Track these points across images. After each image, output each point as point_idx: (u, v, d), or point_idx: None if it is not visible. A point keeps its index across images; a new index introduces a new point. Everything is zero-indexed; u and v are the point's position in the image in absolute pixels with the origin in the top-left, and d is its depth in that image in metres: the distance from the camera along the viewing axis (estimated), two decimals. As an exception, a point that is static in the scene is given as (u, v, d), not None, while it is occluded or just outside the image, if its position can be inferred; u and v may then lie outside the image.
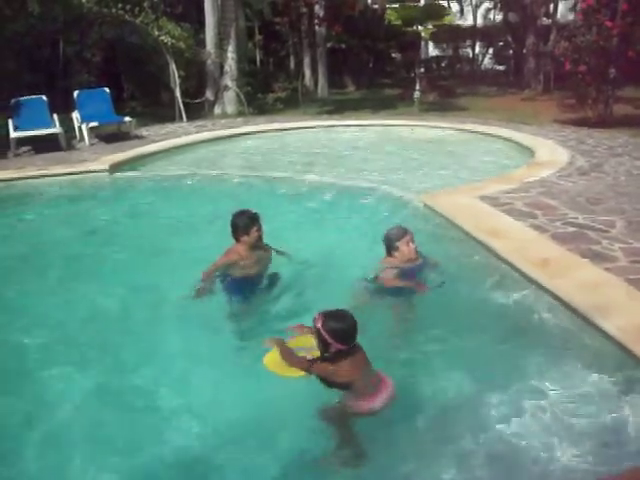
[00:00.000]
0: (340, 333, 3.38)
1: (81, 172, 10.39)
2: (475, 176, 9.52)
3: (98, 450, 3.50)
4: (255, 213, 5.13)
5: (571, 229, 6.26)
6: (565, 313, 4.59)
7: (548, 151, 10.80)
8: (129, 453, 3.44)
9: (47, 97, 13.21)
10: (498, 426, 3.47)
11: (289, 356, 3.71)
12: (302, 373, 3.57)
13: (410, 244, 5.07)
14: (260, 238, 5.15)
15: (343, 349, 3.40)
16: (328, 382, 3.50)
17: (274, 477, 3.21)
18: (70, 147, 12.74)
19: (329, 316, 3.43)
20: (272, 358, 3.71)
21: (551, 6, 24.22)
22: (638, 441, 3.29)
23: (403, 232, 5.11)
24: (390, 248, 5.12)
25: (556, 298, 4.74)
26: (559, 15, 24.18)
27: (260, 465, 3.32)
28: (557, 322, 4.56)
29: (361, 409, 3.40)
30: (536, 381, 3.85)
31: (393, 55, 32.96)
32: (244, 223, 5.04)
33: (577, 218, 6.65)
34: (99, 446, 3.53)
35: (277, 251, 5.51)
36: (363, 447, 3.38)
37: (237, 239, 5.08)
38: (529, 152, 10.95)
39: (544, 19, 24.18)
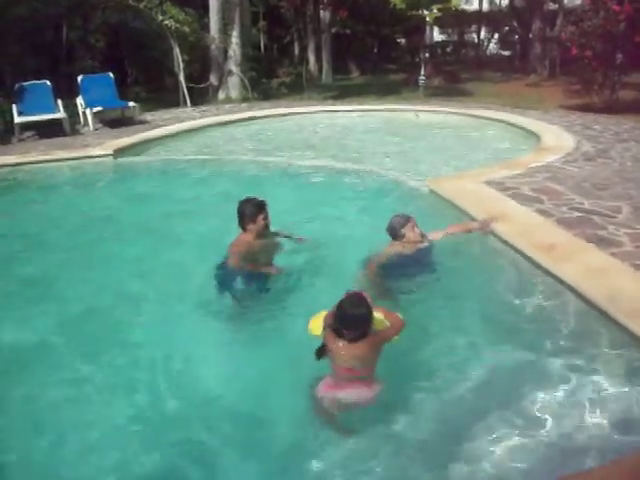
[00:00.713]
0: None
1: (85, 157, 10.40)
2: (481, 161, 9.49)
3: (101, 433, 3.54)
4: (262, 201, 5.02)
5: (577, 214, 6.23)
6: (570, 297, 4.58)
7: (554, 136, 10.74)
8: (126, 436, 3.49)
9: (51, 82, 13.17)
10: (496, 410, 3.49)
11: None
12: None
13: (415, 229, 5.11)
14: (267, 226, 5.07)
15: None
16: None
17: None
18: (74, 132, 12.73)
19: None
20: (317, 324, 3.70)
21: (558, -9, 24.02)
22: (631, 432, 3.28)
23: (406, 219, 5.14)
24: (396, 237, 5.13)
25: (561, 283, 4.73)
26: (566, 0, 23.97)
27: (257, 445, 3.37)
28: (562, 307, 4.54)
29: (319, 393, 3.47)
30: (541, 365, 3.86)
31: (398, 40, 32.79)
32: (250, 211, 4.94)
33: (583, 203, 6.62)
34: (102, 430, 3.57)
35: (287, 236, 5.49)
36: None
37: (244, 227, 4.98)
38: (535, 137, 10.90)
39: (550, 4, 24.00)
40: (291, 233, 5.58)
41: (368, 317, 3.44)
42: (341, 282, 4.72)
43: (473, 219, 6.26)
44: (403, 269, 5.03)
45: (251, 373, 4.01)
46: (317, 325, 3.65)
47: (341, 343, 3.43)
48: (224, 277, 4.97)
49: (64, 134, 12.34)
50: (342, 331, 3.42)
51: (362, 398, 3.43)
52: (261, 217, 4.96)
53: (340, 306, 3.43)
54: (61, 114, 12.45)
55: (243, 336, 4.56)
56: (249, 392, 3.82)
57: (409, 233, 5.09)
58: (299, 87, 20.44)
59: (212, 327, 4.62)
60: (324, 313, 3.64)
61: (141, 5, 15.68)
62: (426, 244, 5.24)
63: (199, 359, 4.21)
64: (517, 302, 4.72)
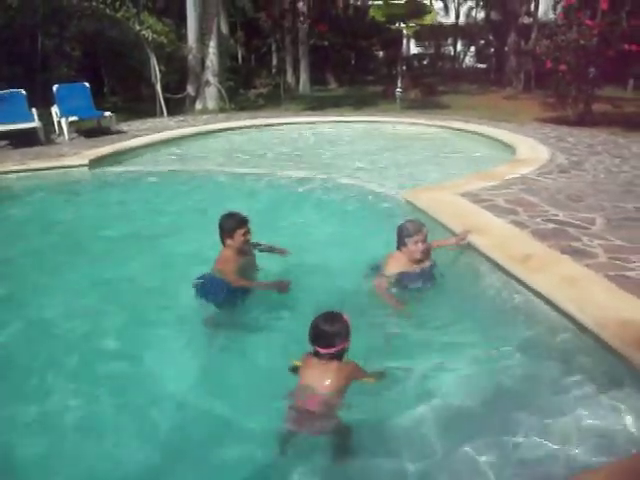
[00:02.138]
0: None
1: (60, 167, 10.28)
2: (457, 172, 9.55)
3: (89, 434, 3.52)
4: (243, 216, 4.90)
5: (552, 226, 6.29)
6: (545, 308, 4.61)
7: (529, 149, 10.87)
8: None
9: (26, 91, 13.02)
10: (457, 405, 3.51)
11: None
12: None
13: (419, 244, 4.99)
14: (247, 242, 4.95)
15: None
16: None
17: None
18: (49, 142, 12.60)
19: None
20: None
21: (532, 5, 24.38)
22: (604, 438, 3.30)
23: (415, 230, 5.02)
24: (399, 243, 5.07)
25: (536, 293, 4.76)
26: (540, 14, 24.33)
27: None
28: (536, 317, 4.57)
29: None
30: (512, 374, 3.88)
31: (375, 52, 33.05)
32: (229, 226, 4.83)
33: (557, 215, 6.68)
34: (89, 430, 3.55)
35: (270, 249, 5.39)
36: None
37: (223, 242, 4.88)
38: (510, 149, 11.02)
39: (525, 17, 24.35)
40: (273, 246, 5.47)
41: (342, 335, 3.38)
42: (321, 293, 4.74)
43: (449, 230, 6.30)
44: (408, 283, 5.00)
45: (227, 383, 3.99)
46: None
47: (314, 361, 3.40)
48: (205, 288, 4.88)
49: (39, 144, 12.19)
50: (316, 350, 3.38)
51: (319, 431, 3.36)
52: (240, 232, 4.82)
53: (314, 321, 3.40)
54: (36, 123, 12.30)
55: (221, 344, 4.54)
56: (220, 401, 3.76)
57: (412, 246, 4.99)
58: (277, 98, 20.48)
59: (187, 338, 4.58)
60: None
61: (118, 14, 15.62)
62: (429, 264, 5.14)
63: (174, 369, 4.16)
64: (489, 312, 4.75)
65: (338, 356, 3.40)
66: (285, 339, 4.26)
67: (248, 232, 4.90)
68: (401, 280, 5.01)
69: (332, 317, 3.42)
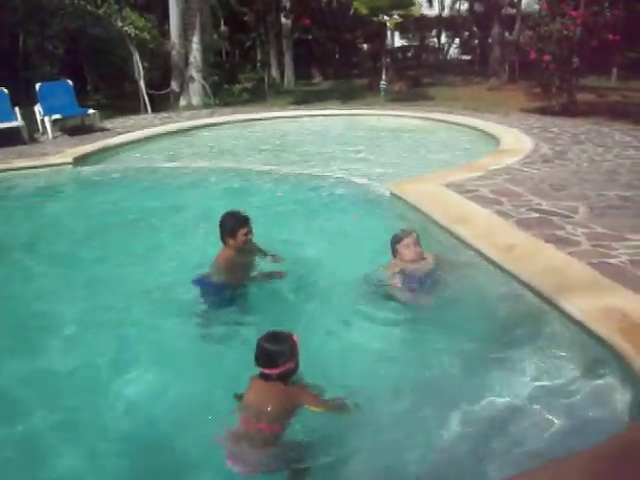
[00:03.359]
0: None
1: (44, 165, 10.22)
2: (441, 163, 9.58)
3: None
4: (245, 215, 4.83)
5: (535, 215, 6.32)
6: (529, 297, 4.64)
7: (513, 139, 10.91)
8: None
9: (8, 90, 12.92)
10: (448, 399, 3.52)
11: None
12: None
13: (411, 247, 4.95)
14: (249, 242, 4.87)
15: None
16: None
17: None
18: (33, 140, 12.52)
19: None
20: None
21: (515, -5, 24.45)
22: (596, 425, 3.34)
23: (403, 235, 5.01)
24: (393, 251, 5.06)
25: (520, 282, 4.79)
26: (524, 4, 24.38)
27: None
28: (521, 306, 4.60)
29: None
30: (499, 363, 3.90)
31: (359, 45, 33.04)
32: (230, 225, 4.76)
33: (541, 204, 6.72)
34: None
35: (266, 254, 5.29)
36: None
37: (224, 241, 4.81)
38: (494, 140, 11.06)
39: (509, 8, 24.40)
40: (265, 250, 5.35)
41: (287, 355, 3.20)
42: (305, 295, 4.74)
43: (435, 222, 6.32)
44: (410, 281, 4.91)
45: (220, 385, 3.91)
46: None
47: (258, 382, 3.23)
48: (202, 289, 4.85)
49: (22, 143, 12.11)
50: (261, 371, 3.22)
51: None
52: (242, 232, 4.75)
53: (258, 340, 3.24)
54: (19, 122, 12.21)
55: (214, 346, 4.48)
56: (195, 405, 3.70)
57: (403, 250, 4.96)
58: (261, 93, 20.42)
59: (181, 338, 4.52)
60: None
61: (100, 11, 15.52)
62: (429, 267, 5.02)
63: (160, 367, 4.13)
64: (477, 302, 4.77)
65: (283, 377, 3.21)
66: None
67: (250, 231, 4.83)
68: (404, 276, 4.92)
69: (277, 336, 3.27)
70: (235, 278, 4.78)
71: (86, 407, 3.74)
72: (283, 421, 3.16)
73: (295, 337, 3.29)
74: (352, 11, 19.47)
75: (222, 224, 4.81)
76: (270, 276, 5.03)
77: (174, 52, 18.09)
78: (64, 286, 5.53)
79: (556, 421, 3.34)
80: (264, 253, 5.29)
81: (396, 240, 5.02)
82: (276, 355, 3.18)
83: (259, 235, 5.04)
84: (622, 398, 3.45)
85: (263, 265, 5.22)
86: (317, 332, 4.39)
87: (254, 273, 5.11)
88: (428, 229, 6.26)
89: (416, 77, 23.83)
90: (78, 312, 4.94)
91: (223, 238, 4.81)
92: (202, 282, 4.85)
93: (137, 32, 15.97)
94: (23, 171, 9.93)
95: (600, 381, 3.61)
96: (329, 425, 3.35)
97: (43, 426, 3.55)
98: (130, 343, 4.45)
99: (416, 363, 4.05)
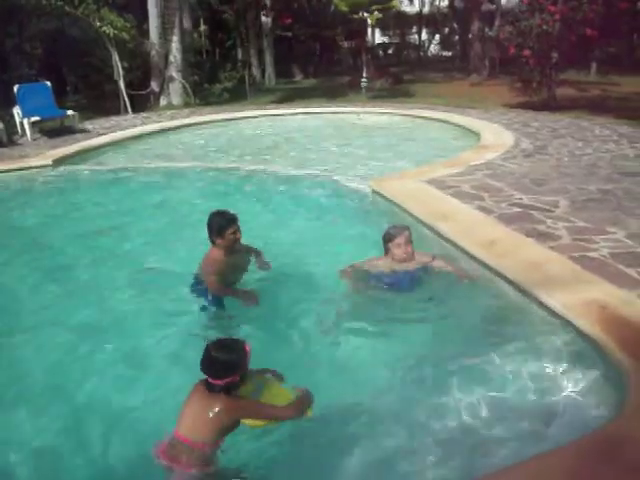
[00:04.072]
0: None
1: (23, 168, 10.10)
2: (423, 160, 9.58)
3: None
4: (233, 215, 4.76)
5: (516, 210, 6.34)
6: (511, 291, 4.64)
7: (494, 134, 10.94)
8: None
9: (-15, 92, 12.82)
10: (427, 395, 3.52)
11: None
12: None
13: (402, 246, 4.88)
14: (237, 241, 4.80)
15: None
16: None
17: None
18: (12, 143, 12.38)
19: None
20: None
21: (494, -9, 24.54)
22: (573, 418, 3.33)
23: (396, 233, 4.93)
24: (385, 249, 5.00)
25: (502, 277, 4.79)
26: (503, 0, 24.48)
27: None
28: (503, 301, 4.61)
29: None
30: (482, 357, 3.89)
31: (340, 43, 33.01)
32: (218, 225, 4.67)
33: (522, 199, 6.74)
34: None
35: (257, 254, 5.24)
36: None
37: (212, 241, 4.75)
38: (475, 136, 11.09)
39: (488, 4, 24.49)
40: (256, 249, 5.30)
41: (236, 367, 3.00)
42: (287, 296, 4.71)
43: (416, 218, 6.31)
44: (378, 282, 4.91)
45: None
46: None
47: (201, 390, 3.02)
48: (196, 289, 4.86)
49: (1, 145, 11.98)
50: (206, 379, 3.02)
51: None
52: (229, 232, 4.69)
53: (206, 347, 3.04)
54: (-3, 124, 12.11)
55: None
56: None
57: (394, 249, 4.89)
58: (242, 92, 20.34)
59: (174, 338, 4.47)
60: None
61: (78, 11, 15.37)
62: (416, 266, 4.95)
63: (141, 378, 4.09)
64: (458, 298, 4.76)
65: (228, 389, 3.00)
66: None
67: (238, 231, 4.77)
68: (368, 278, 4.95)
69: (227, 344, 3.07)
70: (212, 282, 4.71)
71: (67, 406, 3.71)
72: (217, 439, 2.97)
73: (247, 347, 3.10)
74: (332, 8, 19.39)
75: (210, 224, 4.74)
76: (242, 296, 4.81)
77: (153, 52, 17.97)
78: (45, 289, 5.46)
79: (537, 416, 3.34)
80: (255, 253, 5.25)
81: (388, 238, 4.95)
82: (223, 365, 2.97)
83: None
84: (604, 392, 3.45)
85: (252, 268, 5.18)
86: (301, 331, 4.43)
87: (242, 279, 5.06)
88: (410, 226, 6.24)
89: (397, 74, 23.85)
90: (59, 314, 4.92)
91: (211, 238, 4.76)
92: (193, 284, 4.87)
93: (116, 32, 15.81)
94: (2, 174, 9.81)
95: (581, 375, 3.61)
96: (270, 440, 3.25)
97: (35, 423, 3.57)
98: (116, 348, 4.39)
99: (393, 360, 4.02)
